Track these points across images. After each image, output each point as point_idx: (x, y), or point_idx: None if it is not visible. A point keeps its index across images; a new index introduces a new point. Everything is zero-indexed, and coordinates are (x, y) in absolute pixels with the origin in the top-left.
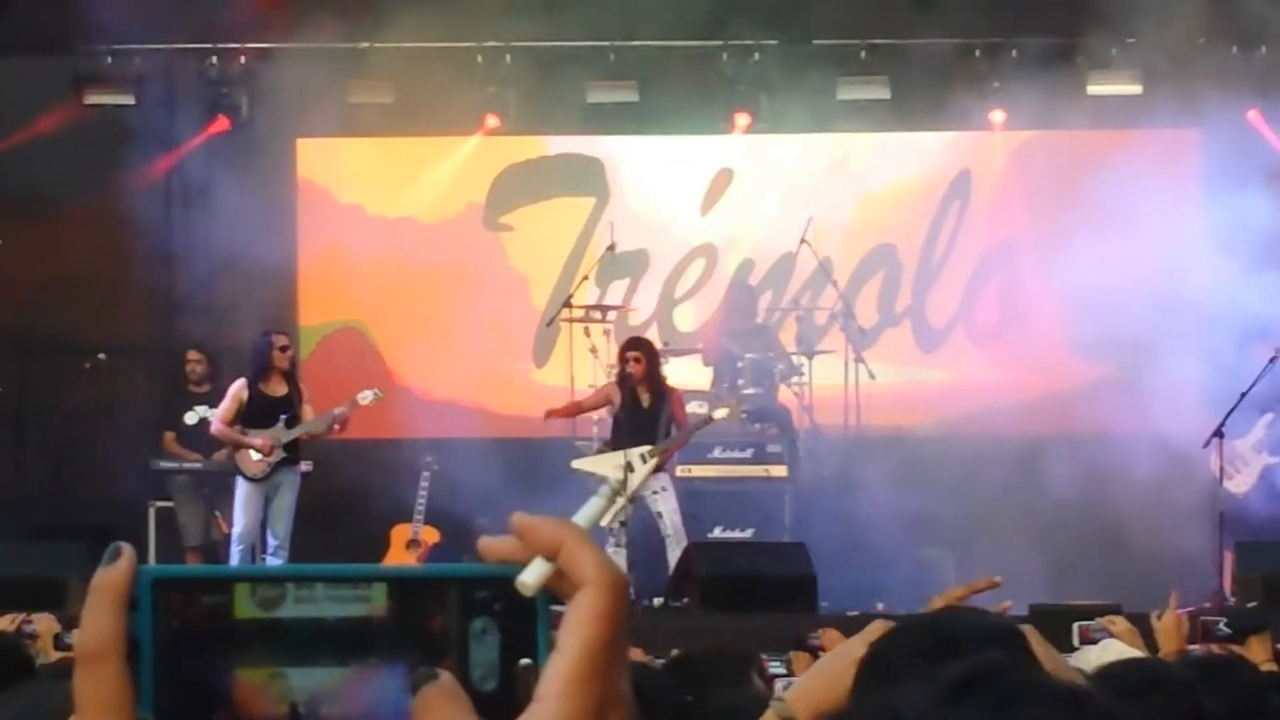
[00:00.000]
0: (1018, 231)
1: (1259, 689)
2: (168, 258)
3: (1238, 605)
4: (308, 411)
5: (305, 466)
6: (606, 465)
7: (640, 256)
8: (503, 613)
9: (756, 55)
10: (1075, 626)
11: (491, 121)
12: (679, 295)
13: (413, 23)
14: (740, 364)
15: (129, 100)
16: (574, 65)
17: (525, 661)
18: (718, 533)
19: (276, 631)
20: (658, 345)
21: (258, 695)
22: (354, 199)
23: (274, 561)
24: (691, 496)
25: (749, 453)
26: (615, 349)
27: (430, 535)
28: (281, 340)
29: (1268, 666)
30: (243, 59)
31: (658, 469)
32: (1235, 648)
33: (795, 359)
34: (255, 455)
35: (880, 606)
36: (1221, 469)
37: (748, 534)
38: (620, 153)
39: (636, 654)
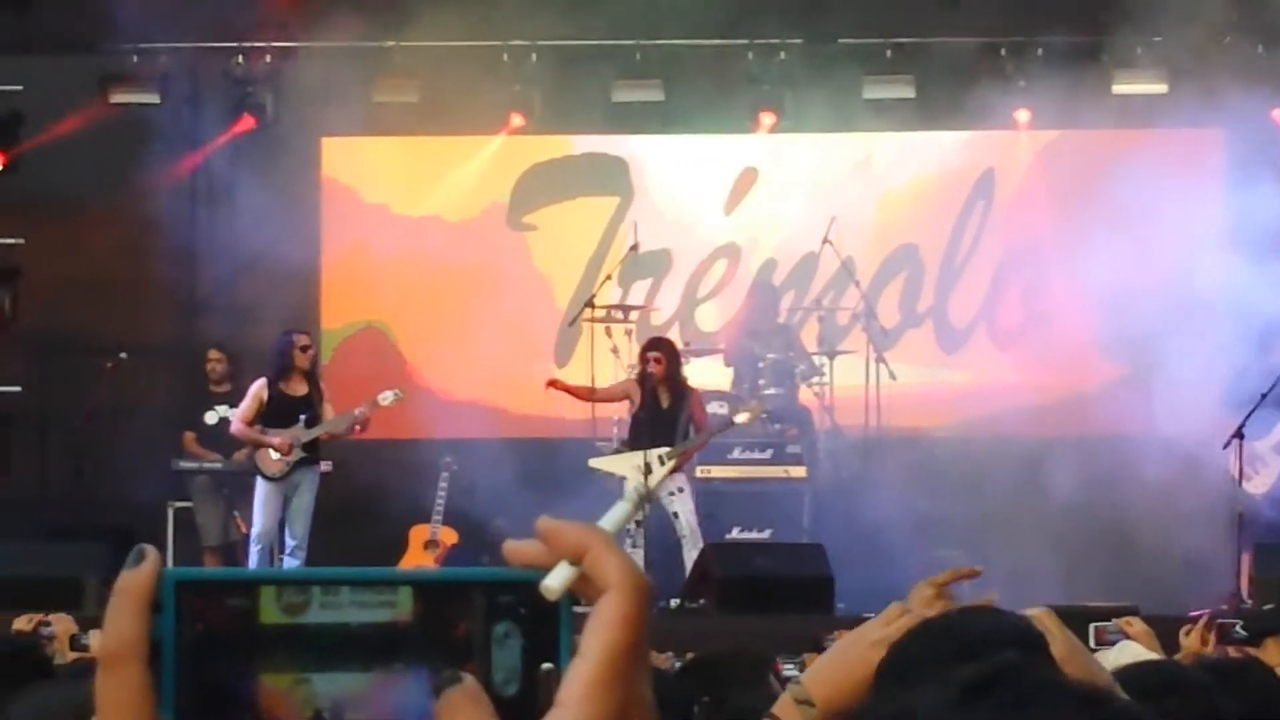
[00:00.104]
0: (1041, 231)
1: (1275, 692)
2: (191, 257)
3: (1254, 607)
4: (328, 411)
5: (325, 467)
6: (624, 465)
7: (663, 256)
8: (526, 617)
9: (782, 54)
10: (1091, 628)
11: (516, 120)
12: (701, 295)
13: (438, 21)
14: (761, 364)
15: (154, 99)
16: (599, 64)
17: (547, 666)
18: (736, 533)
19: (301, 637)
20: (679, 345)
21: (281, 701)
22: (378, 198)
23: (291, 562)
24: (710, 497)
25: (768, 453)
26: (637, 349)
27: (449, 536)
28: (302, 340)
29: None
30: (268, 58)
31: (675, 470)
32: (1252, 650)
33: (816, 359)
34: (274, 455)
35: None
36: (1241, 470)
37: (766, 535)
38: (645, 152)
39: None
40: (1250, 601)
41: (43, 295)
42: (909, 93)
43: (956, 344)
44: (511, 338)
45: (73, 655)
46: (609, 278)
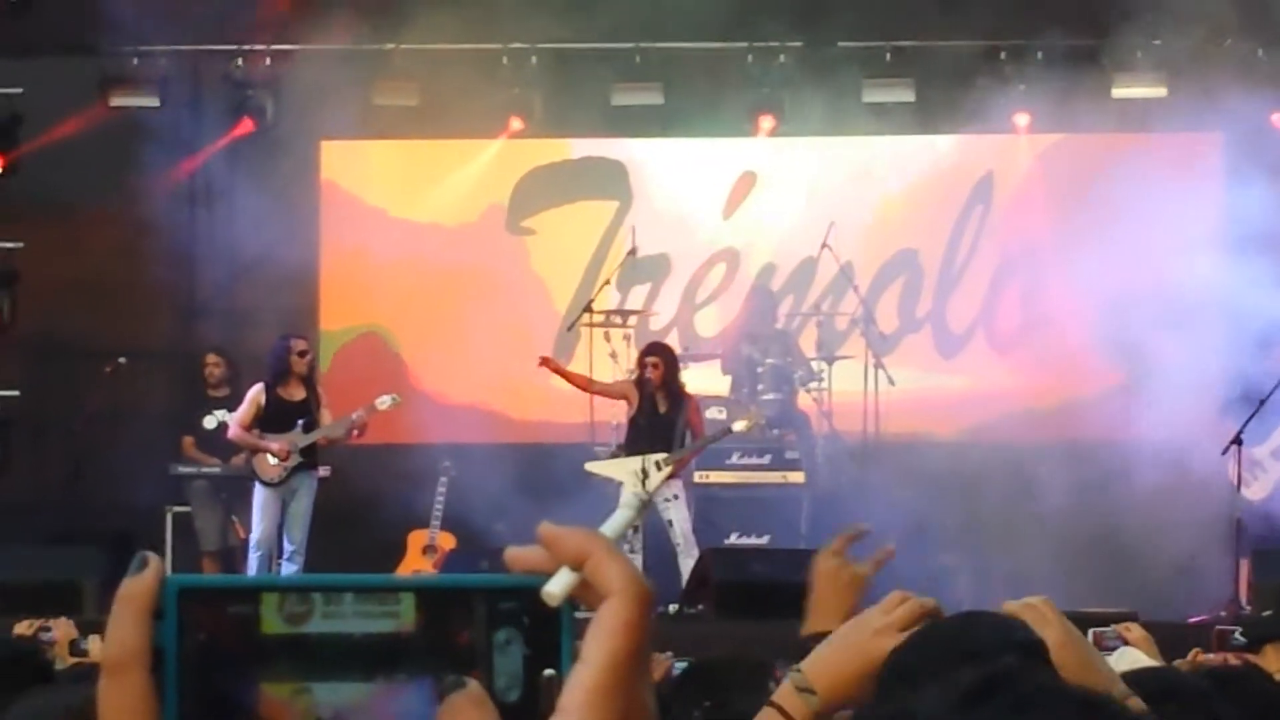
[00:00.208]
0: (1040, 235)
1: (1274, 699)
2: (190, 261)
3: (1253, 613)
4: (326, 416)
5: (323, 472)
6: (621, 469)
7: (662, 261)
8: (528, 623)
9: (781, 57)
10: (1090, 633)
11: (516, 124)
12: (700, 300)
13: (437, 24)
14: (760, 369)
15: (154, 102)
16: (598, 67)
17: (549, 672)
18: (734, 539)
19: (303, 647)
20: (677, 351)
21: (283, 710)
22: (377, 201)
23: (289, 567)
24: (709, 502)
25: (767, 458)
26: (635, 354)
27: (447, 541)
28: (300, 345)
29: None
30: (267, 61)
31: (670, 477)
32: (1251, 656)
33: (815, 364)
34: (272, 460)
35: None
36: (1240, 476)
37: (764, 540)
38: (644, 155)
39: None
40: (1249, 608)
41: (41, 299)
42: (908, 96)
43: (955, 349)
44: (510, 342)
45: (72, 660)
46: (608, 282)
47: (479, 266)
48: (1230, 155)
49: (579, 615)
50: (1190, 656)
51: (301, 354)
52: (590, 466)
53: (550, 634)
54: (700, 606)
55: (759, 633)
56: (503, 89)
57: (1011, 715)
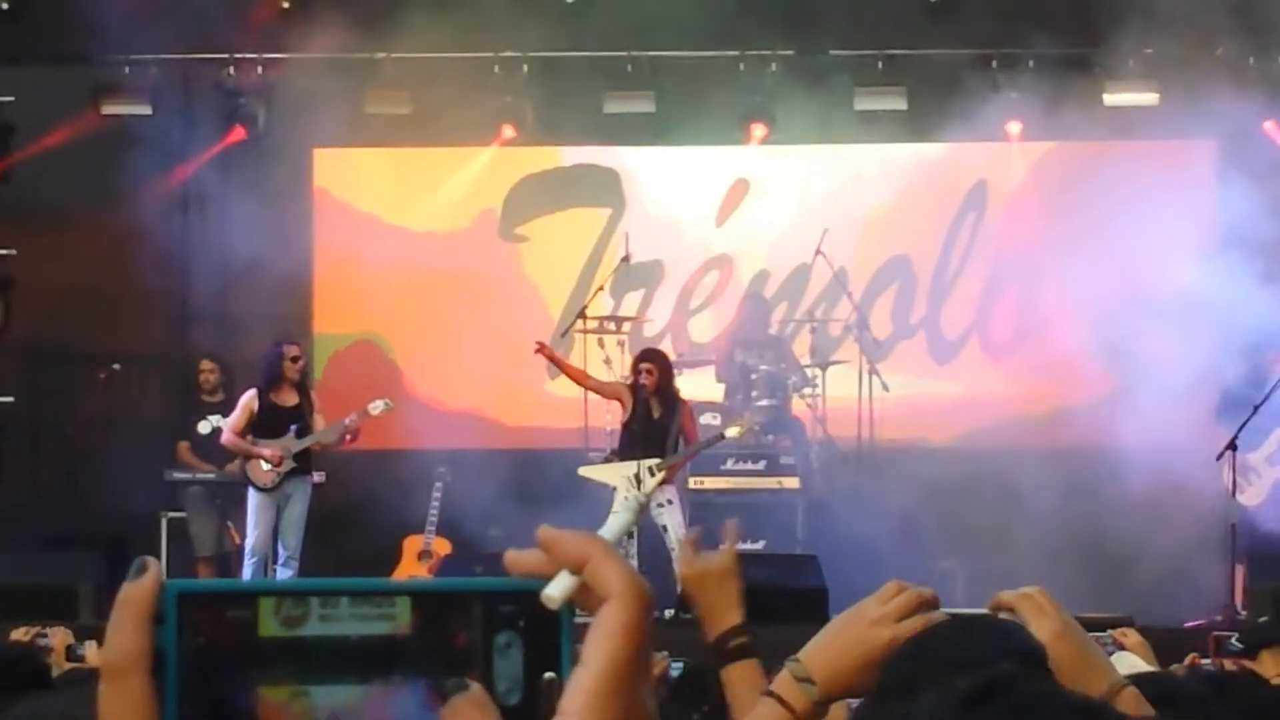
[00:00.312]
0: (1033, 243)
1: (1271, 704)
2: (183, 268)
3: (1249, 619)
4: (319, 421)
5: (318, 478)
6: (614, 474)
7: (655, 267)
8: (527, 626)
9: (773, 66)
10: None
11: (508, 132)
12: (694, 306)
13: (429, 33)
14: (754, 375)
15: (146, 110)
16: (590, 75)
17: (549, 675)
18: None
19: (300, 650)
20: (671, 357)
21: (280, 712)
22: (370, 209)
23: (284, 572)
24: (703, 508)
25: (762, 464)
26: (629, 360)
27: (442, 546)
28: (292, 350)
29: None
30: (259, 69)
31: (664, 482)
32: (1247, 662)
33: (809, 370)
34: (265, 465)
35: None
36: (1234, 481)
37: (760, 546)
38: (636, 163)
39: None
40: (1244, 613)
41: (36, 305)
42: (900, 104)
43: (949, 355)
44: (503, 348)
45: (69, 665)
46: (601, 288)
47: (472, 273)
48: (1223, 162)
49: (579, 619)
50: (1187, 662)
51: (294, 359)
52: (584, 471)
53: (550, 637)
54: (695, 611)
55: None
56: (494, 97)
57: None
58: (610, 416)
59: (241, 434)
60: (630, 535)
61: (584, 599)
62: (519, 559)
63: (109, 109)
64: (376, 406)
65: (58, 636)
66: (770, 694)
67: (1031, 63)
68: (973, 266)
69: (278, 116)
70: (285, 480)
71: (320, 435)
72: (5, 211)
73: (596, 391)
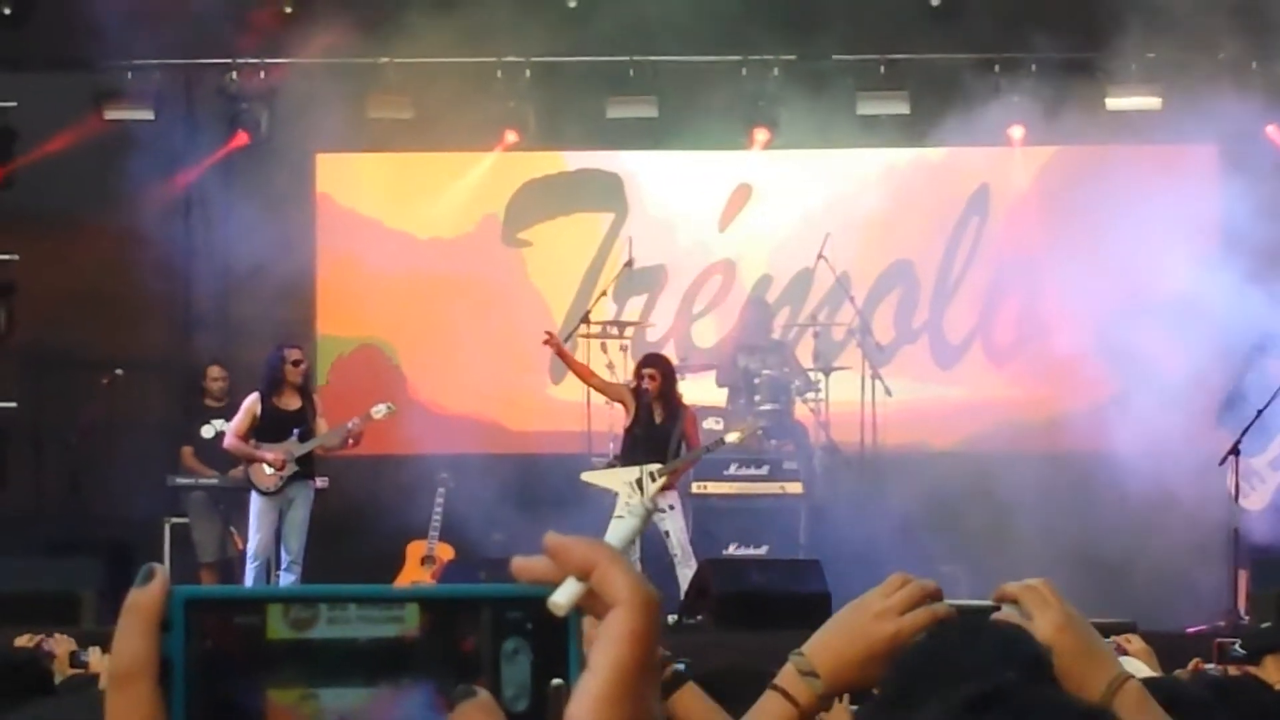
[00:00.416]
0: (1036, 247)
1: (1274, 709)
2: (185, 273)
3: (1252, 625)
4: (322, 425)
5: (321, 483)
6: (616, 480)
7: (658, 272)
8: (535, 633)
9: (776, 70)
10: None
11: (510, 137)
12: (697, 311)
13: (431, 38)
14: (757, 380)
15: (148, 115)
16: (593, 80)
17: (557, 682)
18: (733, 550)
19: (309, 652)
20: (674, 362)
21: (289, 716)
22: (372, 214)
23: (287, 577)
24: (707, 513)
25: (765, 469)
26: (632, 365)
27: (445, 552)
28: (294, 354)
29: None
30: (262, 74)
31: (666, 488)
32: (1250, 668)
33: (812, 375)
34: (268, 470)
35: None
36: (1237, 486)
37: (763, 551)
38: (639, 168)
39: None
40: (1248, 619)
41: (38, 311)
42: (903, 109)
43: (952, 360)
44: (506, 353)
45: (72, 671)
46: (604, 293)
47: (475, 278)
48: (1226, 167)
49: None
50: (1190, 667)
51: (296, 364)
52: (586, 476)
53: (558, 644)
54: (699, 617)
55: (759, 643)
56: (497, 102)
57: None
58: (613, 421)
59: (244, 438)
60: (633, 541)
61: (591, 605)
62: (526, 566)
63: (111, 114)
64: (379, 410)
65: (61, 647)
66: (775, 688)
67: (1034, 67)
68: (975, 271)
69: (280, 121)
70: (288, 484)
71: (323, 439)
72: (8, 217)
73: (600, 391)
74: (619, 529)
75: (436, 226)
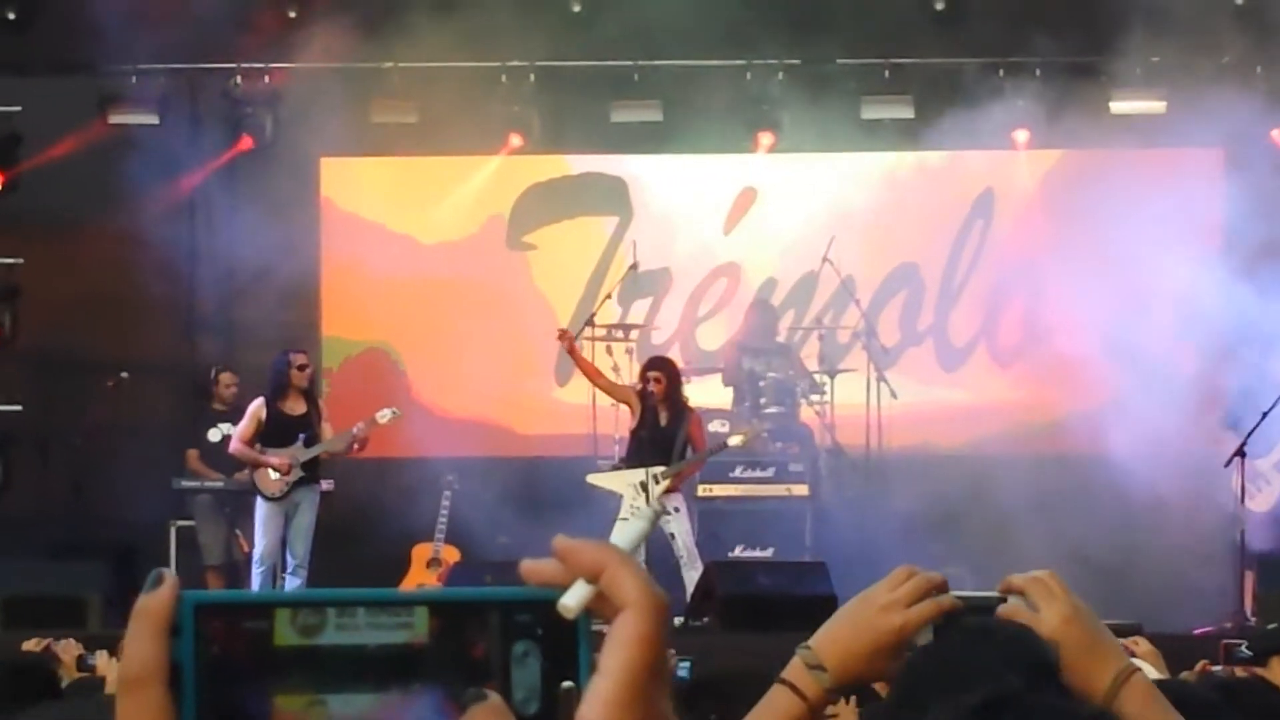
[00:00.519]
0: (1040, 250)
1: None
2: (190, 277)
3: (1259, 626)
4: (327, 430)
5: (326, 486)
6: (621, 482)
7: (663, 275)
8: (544, 636)
9: (780, 74)
10: None
11: (515, 141)
12: (702, 314)
13: (436, 42)
14: (762, 383)
15: (153, 120)
16: (598, 84)
17: (567, 684)
18: (739, 552)
19: (316, 659)
20: (679, 365)
21: None
22: (377, 218)
23: (293, 581)
24: (712, 515)
25: (770, 472)
26: (638, 368)
27: (451, 554)
28: (300, 359)
29: None
30: (266, 79)
31: (671, 490)
32: (1257, 669)
33: (817, 378)
34: (273, 474)
35: None
36: (1243, 488)
37: (768, 553)
38: (643, 172)
39: None
40: (1254, 620)
41: (42, 314)
42: (907, 113)
43: (957, 362)
44: (512, 357)
45: (79, 674)
46: (609, 297)
47: (480, 282)
48: (1232, 171)
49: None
50: (1197, 669)
51: (301, 368)
52: (591, 479)
53: (568, 647)
54: (705, 619)
55: (765, 645)
56: (501, 106)
57: None
58: (618, 424)
59: (249, 443)
60: (641, 543)
61: (601, 608)
62: (535, 568)
63: (116, 118)
64: (384, 415)
65: (67, 654)
66: (782, 681)
67: (1038, 71)
68: (980, 274)
69: (284, 125)
70: (293, 489)
71: (328, 444)
72: (13, 221)
73: (607, 392)
74: (627, 531)
75: (441, 230)
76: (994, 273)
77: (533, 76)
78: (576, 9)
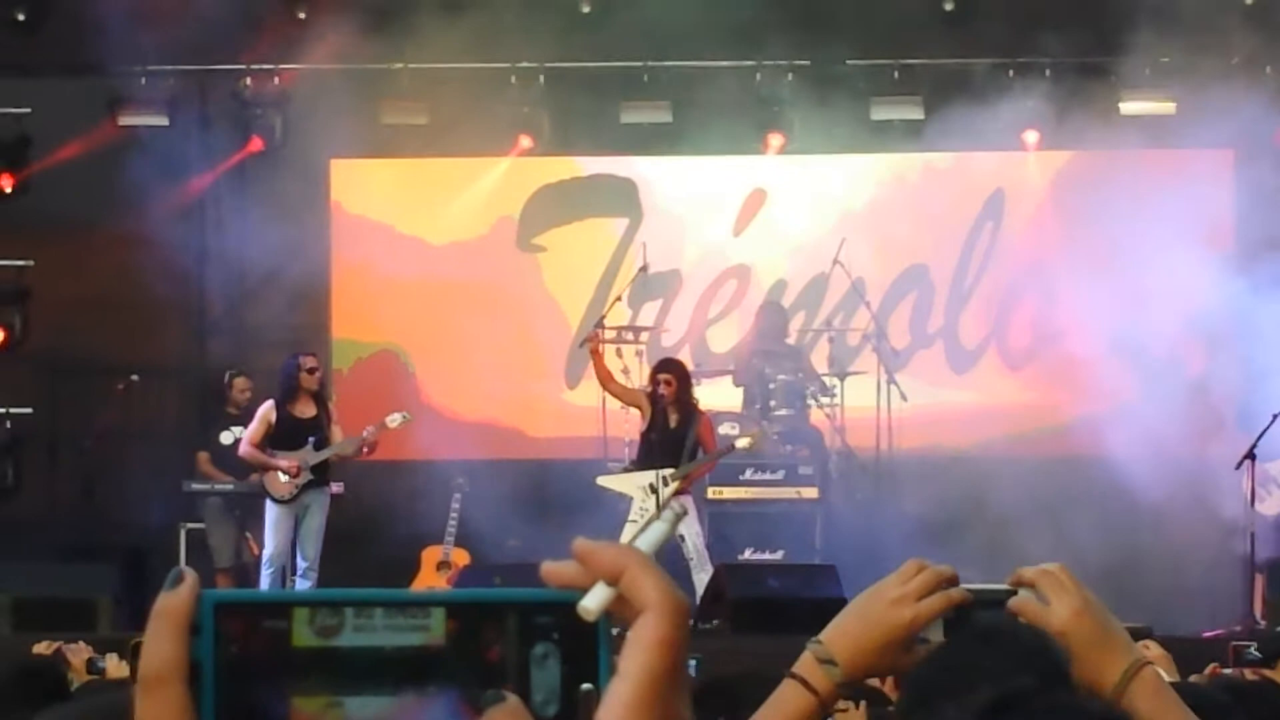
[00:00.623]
0: (1051, 252)
1: None
2: (200, 279)
3: (1268, 629)
4: (337, 433)
5: (336, 488)
6: (631, 484)
7: (673, 277)
8: (564, 638)
9: (790, 75)
10: None
11: (525, 142)
12: (712, 316)
13: (445, 44)
14: (772, 385)
15: (163, 121)
16: (607, 86)
17: (586, 686)
18: (748, 554)
19: (334, 661)
20: (690, 367)
21: None
22: (387, 220)
23: (303, 583)
24: (722, 518)
25: (780, 474)
26: (648, 370)
27: (461, 557)
28: (309, 362)
29: None
30: (276, 80)
31: (680, 492)
32: (1266, 671)
33: (827, 380)
34: (283, 477)
35: None
36: (1253, 491)
37: (778, 556)
38: (653, 173)
39: None
40: (1264, 623)
41: (53, 317)
42: (917, 113)
43: (967, 364)
44: (522, 359)
45: (88, 677)
46: (619, 299)
47: (490, 284)
48: (1241, 172)
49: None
50: (1207, 671)
51: (311, 371)
52: (602, 481)
53: (587, 649)
54: (715, 622)
55: (775, 648)
56: (511, 108)
57: None
58: (629, 427)
59: (259, 446)
60: (662, 546)
61: (620, 610)
62: (555, 570)
63: (126, 120)
64: (394, 419)
65: (77, 659)
66: (793, 675)
67: (1048, 71)
68: (990, 276)
69: (294, 127)
70: (303, 492)
71: (338, 447)
72: (23, 223)
73: (617, 397)
74: (649, 534)
75: (451, 232)
76: (1004, 274)
77: (542, 78)
78: (586, 10)
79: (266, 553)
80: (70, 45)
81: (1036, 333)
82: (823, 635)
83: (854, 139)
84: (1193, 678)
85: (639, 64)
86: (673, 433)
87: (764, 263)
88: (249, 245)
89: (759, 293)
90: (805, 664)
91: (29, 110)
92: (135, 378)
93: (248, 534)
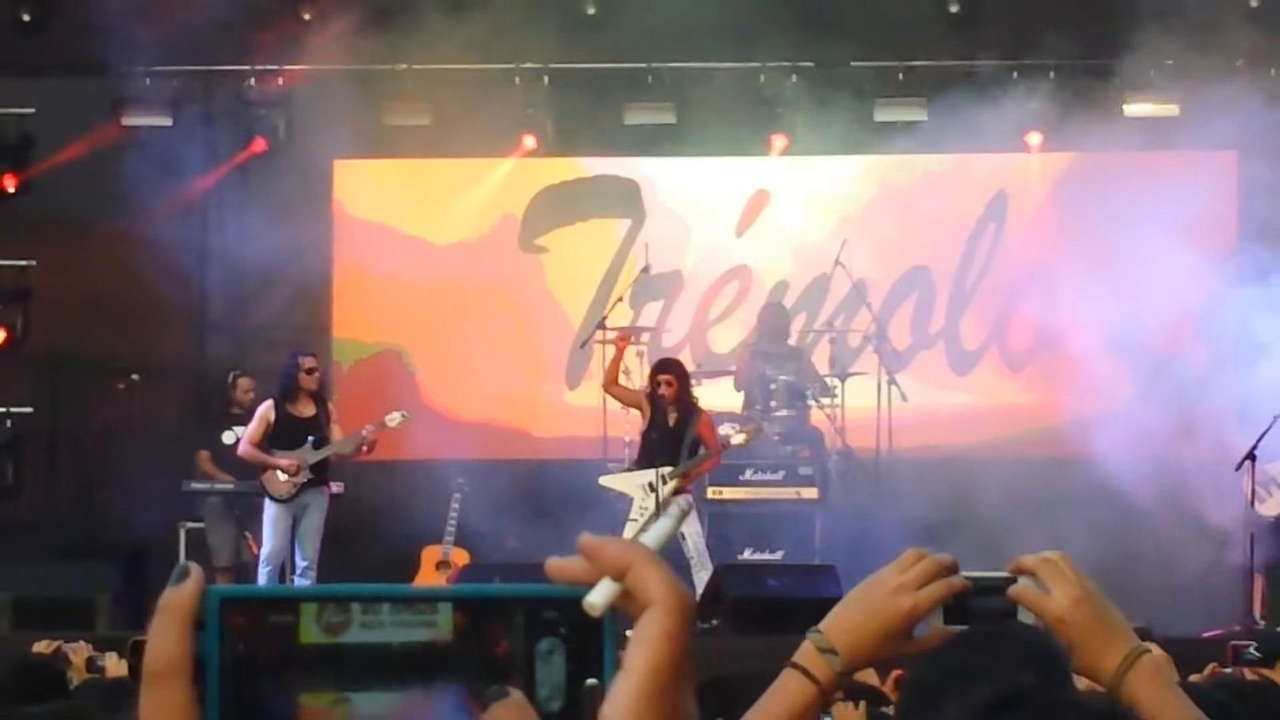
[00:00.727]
0: (1053, 254)
1: None
2: (201, 279)
3: (1267, 629)
4: (336, 432)
5: (336, 488)
6: (630, 484)
7: (674, 278)
8: (569, 633)
9: (793, 77)
10: None
11: (528, 143)
12: (713, 317)
13: (449, 44)
14: (773, 386)
15: (166, 122)
16: (611, 87)
17: (591, 682)
18: (748, 555)
19: (341, 657)
20: (690, 367)
21: (320, 719)
22: (390, 221)
23: (302, 582)
24: (722, 518)
25: (780, 475)
26: (648, 371)
27: (460, 557)
28: (309, 362)
29: None
30: (279, 81)
31: (679, 490)
32: (1265, 671)
33: (828, 381)
34: (282, 476)
35: None
36: (1253, 491)
37: (778, 556)
38: (656, 174)
39: None
40: (1263, 623)
41: (54, 316)
42: (920, 115)
43: (968, 365)
44: (523, 359)
45: (88, 676)
46: (621, 299)
47: (492, 284)
48: (1245, 174)
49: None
50: (1207, 671)
51: (310, 371)
52: (603, 480)
53: (593, 644)
54: (714, 622)
55: (775, 648)
56: (515, 108)
57: None
58: (629, 427)
59: (258, 445)
60: (668, 542)
61: (626, 606)
62: (561, 566)
63: (129, 120)
64: (394, 419)
65: (77, 656)
66: (794, 665)
67: (1051, 73)
68: (992, 277)
69: (297, 128)
70: (302, 491)
71: (337, 446)
72: (25, 222)
73: (619, 399)
74: (655, 530)
75: (454, 232)
76: (1006, 276)
77: (546, 78)
78: (590, 11)
79: (264, 551)
80: (74, 46)
81: (1038, 334)
82: (823, 624)
83: (857, 140)
84: (1193, 678)
85: (643, 65)
86: (672, 431)
87: (766, 264)
88: (251, 245)
89: (761, 293)
90: (806, 653)
91: (32, 110)
92: (135, 377)
93: (247, 533)
